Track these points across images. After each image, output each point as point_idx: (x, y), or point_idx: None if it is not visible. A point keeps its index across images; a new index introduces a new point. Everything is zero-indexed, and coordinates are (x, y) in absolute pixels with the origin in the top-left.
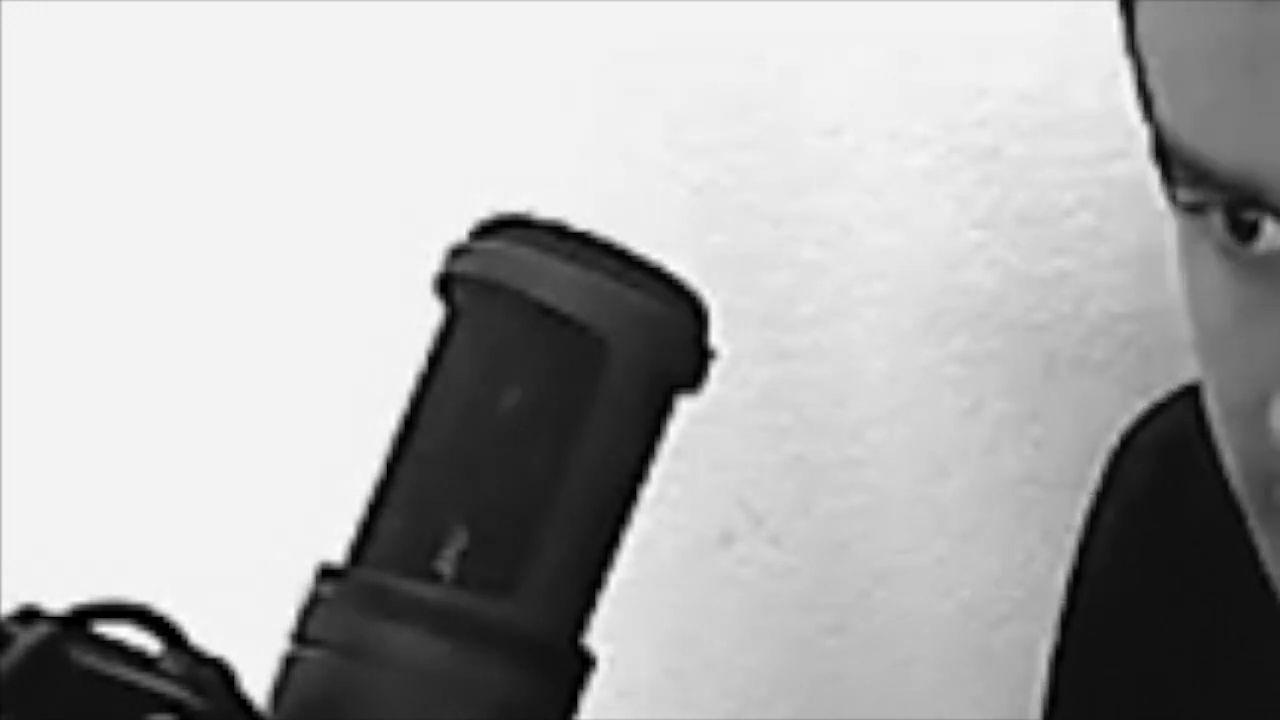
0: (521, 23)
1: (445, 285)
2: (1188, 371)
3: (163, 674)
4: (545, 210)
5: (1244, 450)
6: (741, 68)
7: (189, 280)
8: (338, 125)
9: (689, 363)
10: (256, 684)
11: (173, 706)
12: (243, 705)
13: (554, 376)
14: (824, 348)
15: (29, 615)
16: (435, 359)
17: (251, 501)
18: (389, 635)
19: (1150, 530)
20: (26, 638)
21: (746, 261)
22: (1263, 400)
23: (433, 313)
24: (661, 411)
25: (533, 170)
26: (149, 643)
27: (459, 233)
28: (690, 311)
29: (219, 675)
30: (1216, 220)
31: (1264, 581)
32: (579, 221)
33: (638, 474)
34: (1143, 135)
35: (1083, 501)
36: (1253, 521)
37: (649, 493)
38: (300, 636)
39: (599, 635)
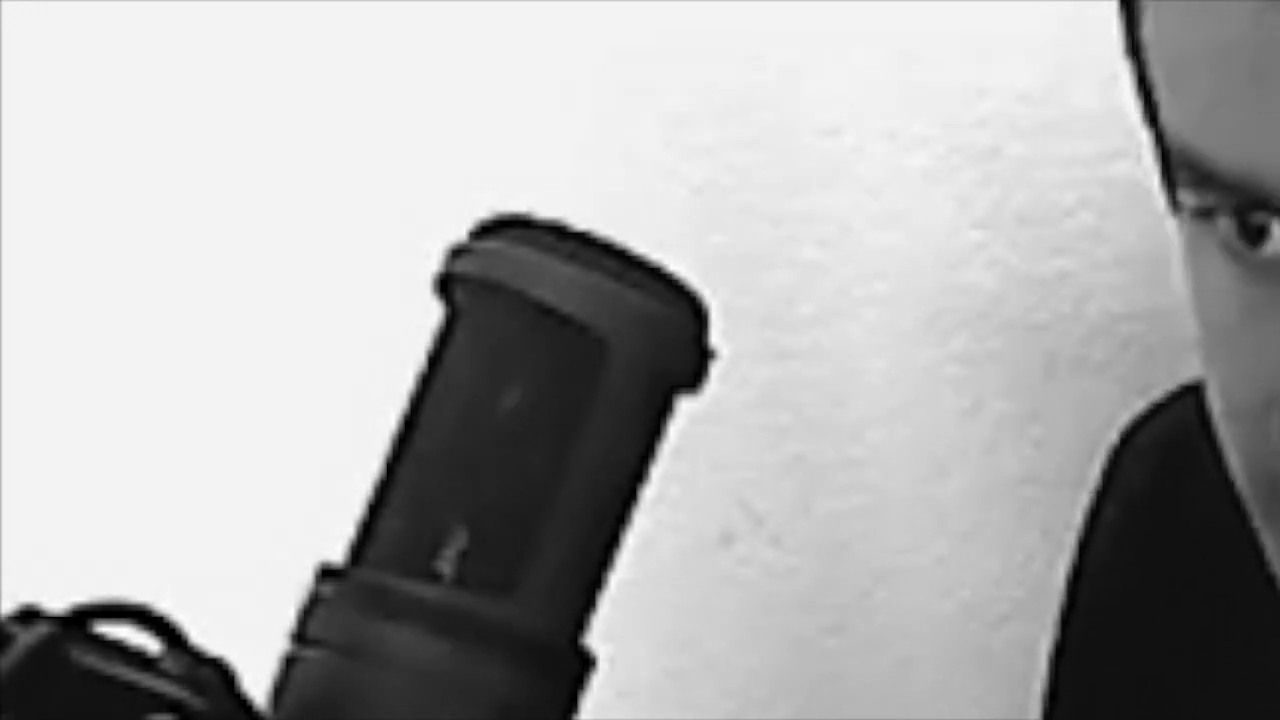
0: (521, 23)
1: (445, 285)
2: (1188, 371)
3: (163, 674)
4: (545, 210)
5: (1249, 450)
6: (741, 68)
7: (189, 280)
8: (338, 125)
9: (689, 363)
10: (256, 684)
11: (173, 706)
12: (243, 705)
13: (554, 376)
14: (824, 348)
15: (29, 615)
16: (435, 359)
17: (251, 501)
18: (389, 635)
19: (1150, 528)
20: (26, 638)
21: (746, 261)
22: (1268, 400)
23: (433, 313)
24: (661, 411)
25: (533, 170)
26: (149, 643)
27: (459, 233)
28: (690, 311)
29: (219, 675)
30: (1224, 223)
31: (1264, 580)
32: (579, 221)
33: (638, 474)
34: (1143, 135)
35: (1083, 501)
36: (1258, 521)
37: (649, 493)
38: (300, 636)
39: (599, 635)
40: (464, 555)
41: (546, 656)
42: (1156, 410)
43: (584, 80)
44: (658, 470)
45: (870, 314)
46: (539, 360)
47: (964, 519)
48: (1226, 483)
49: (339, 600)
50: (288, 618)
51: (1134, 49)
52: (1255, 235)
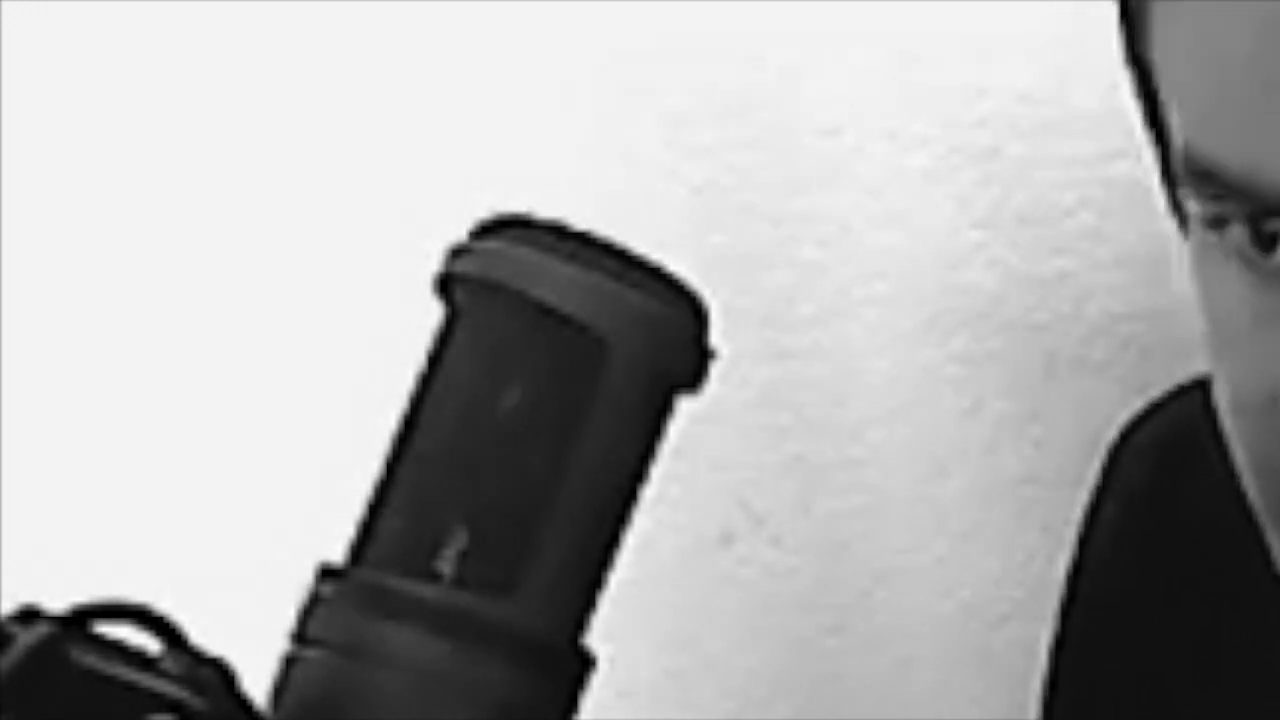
0: (521, 23)
1: (445, 285)
2: (1187, 371)
3: (163, 674)
4: (545, 210)
5: (1256, 447)
6: (741, 68)
7: (189, 280)
8: (338, 125)
9: (689, 363)
10: (256, 684)
11: (173, 706)
12: (243, 705)
13: (554, 376)
14: (824, 348)
15: (29, 615)
16: (435, 359)
17: (251, 501)
18: (389, 635)
19: (1149, 527)
20: (26, 638)
21: (746, 261)
22: (1275, 397)
23: (433, 313)
24: (661, 411)
25: (533, 170)
26: (149, 643)
27: (459, 233)
28: (690, 311)
29: (219, 675)
30: (1237, 231)
31: (1264, 578)
32: (579, 221)
33: (638, 474)
34: (1143, 135)
35: (1083, 500)
36: (1264, 518)
37: (649, 493)
38: (300, 636)
39: (599, 635)
40: (464, 555)
41: (546, 656)
42: (1156, 409)
43: (584, 80)
44: (658, 470)
45: (870, 314)
46: (539, 360)
47: (964, 519)
48: (1226, 481)
49: (339, 600)
50: (288, 618)
51: (1135, 59)
52: (1269, 242)
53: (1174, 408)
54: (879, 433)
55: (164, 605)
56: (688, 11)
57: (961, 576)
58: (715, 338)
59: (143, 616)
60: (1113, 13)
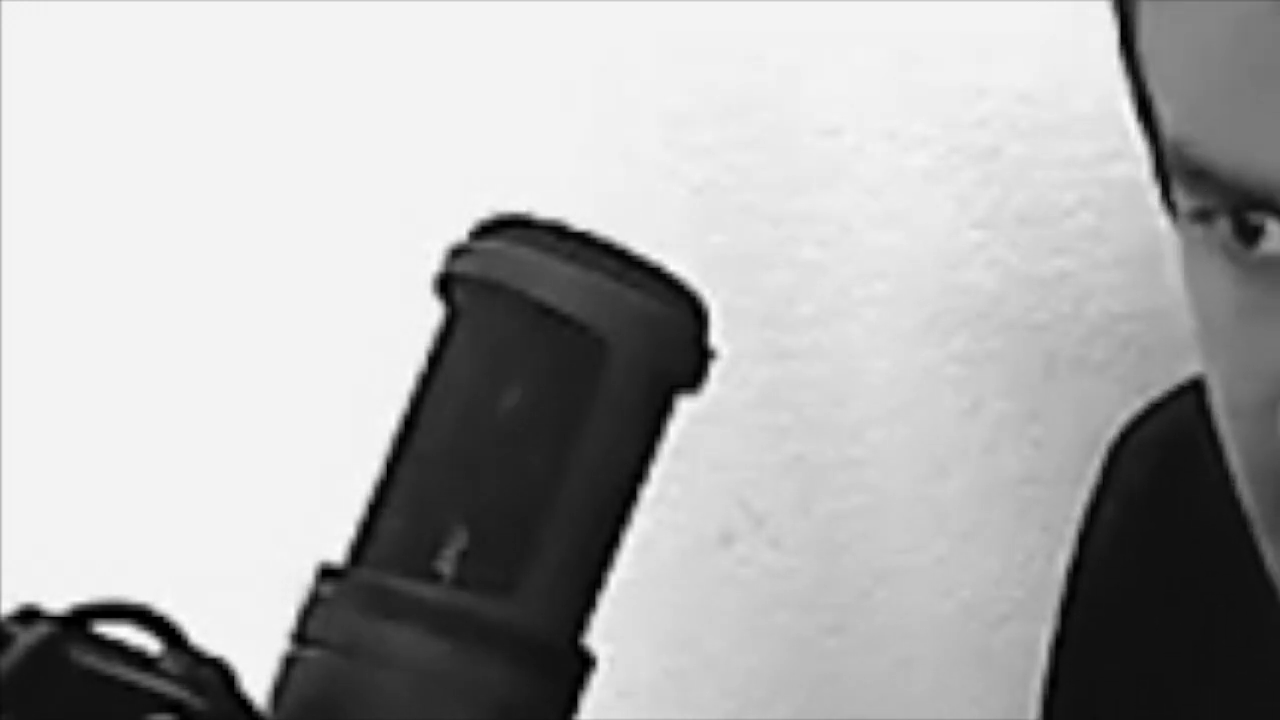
0: (521, 23)
1: (445, 285)
2: (1187, 370)
3: (163, 674)
4: (545, 210)
5: (1250, 450)
6: (741, 68)
7: (189, 280)
8: (338, 125)
9: (689, 363)
10: (256, 684)
11: (173, 706)
12: (243, 705)
13: (554, 376)
14: (824, 348)
15: (29, 615)
16: (435, 359)
17: (251, 501)
18: (389, 635)
19: (1149, 525)
20: (26, 638)
21: (746, 261)
22: (1269, 400)
23: (433, 313)
24: (661, 411)
25: (533, 170)
26: (149, 643)
27: (459, 233)
28: (690, 311)
29: (219, 675)
30: (1222, 224)
31: (1263, 578)
32: (579, 221)
33: (638, 474)
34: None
35: (1083, 500)
36: (1257, 520)
37: (649, 493)
38: (300, 636)
39: (599, 635)
40: (464, 555)
41: (546, 656)
42: (1155, 409)
43: (584, 80)
44: (658, 470)
45: (870, 314)
46: (539, 360)
47: (964, 519)
48: (1225, 481)
49: (339, 600)
50: (288, 618)
51: (1128, 52)
52: (1252, 235)
53: (1174, 408)
54: (879, 433)
55: (164, 605)
56: (688, 11)
57: (961, 576)
58: (715, 338)
59: (143, 616)
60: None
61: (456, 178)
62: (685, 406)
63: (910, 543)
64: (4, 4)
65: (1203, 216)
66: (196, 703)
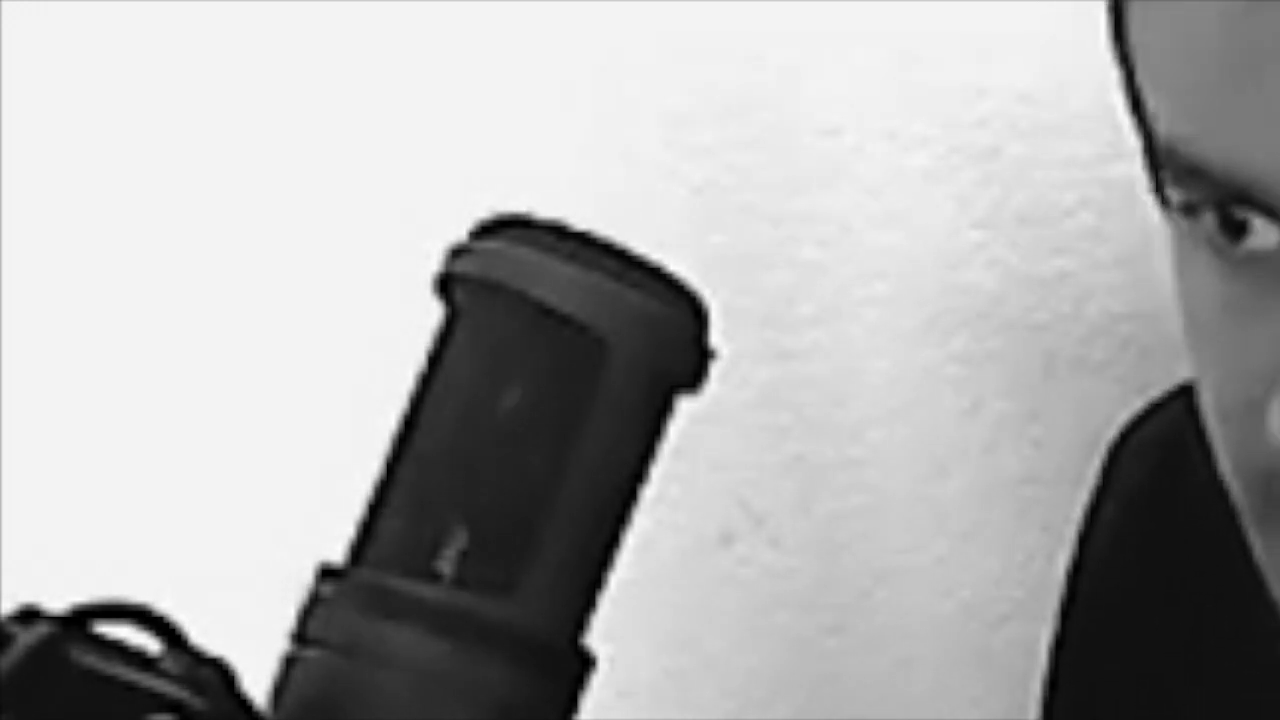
0: (521, 23)
1: (445, 285)
2: (1187, 371)
3: (163, 674)
4: (545, 210)
5: (1238, 450)
6: (741, 68)
7: (189, 280)
8: (338, 125)
9: (689, 363)
10: (256, 684)
11: (173, 706)
12: (243, 705)
13: (554, 376)
14: (824, 348)
15: (29, 615)
16: (435, 359)
17: (251, 501)
18: (389, 635)
19: (1149, 526)
20: (26, 638)
21: (746, 261)
22: (1255, 400)
23: (433, 313)
24: (661, 411)
25: (533, 170)
26: (149, 643)
27: (459, 233)
28: (690, 311)
29: (219, 675)
30: (1208, 219)
31: (1260, 577)
32: (579, 221)
33: (638, 474)
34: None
35: (1082, 500)
36: (1247, 519)
37: (649, 493)
38: (300, 636)
39: (599, 635)
40: (464, 555)
41: (546, 656)
42: (1155, 409)
43: (584, 80)
44: (658, 470)
45: (870, 314)
46: (539, 360)
47: (964, 519)
48: (1223, 481)
49: (339, 600)
50: (288, 618)
51: (1120, 46)
52: (1237, 230)
53: (1174, 407)
54: (879, 433)
55: (164, 605)
56: (688, 11)
57: (961, 576)
58: (715, 338)
59: (143, 616)
60: None
61: (456, 178)
62: (685, 406)
63: (910, 543)
64: (4, 4)
65: (1189, 210)
66: (196, 703)
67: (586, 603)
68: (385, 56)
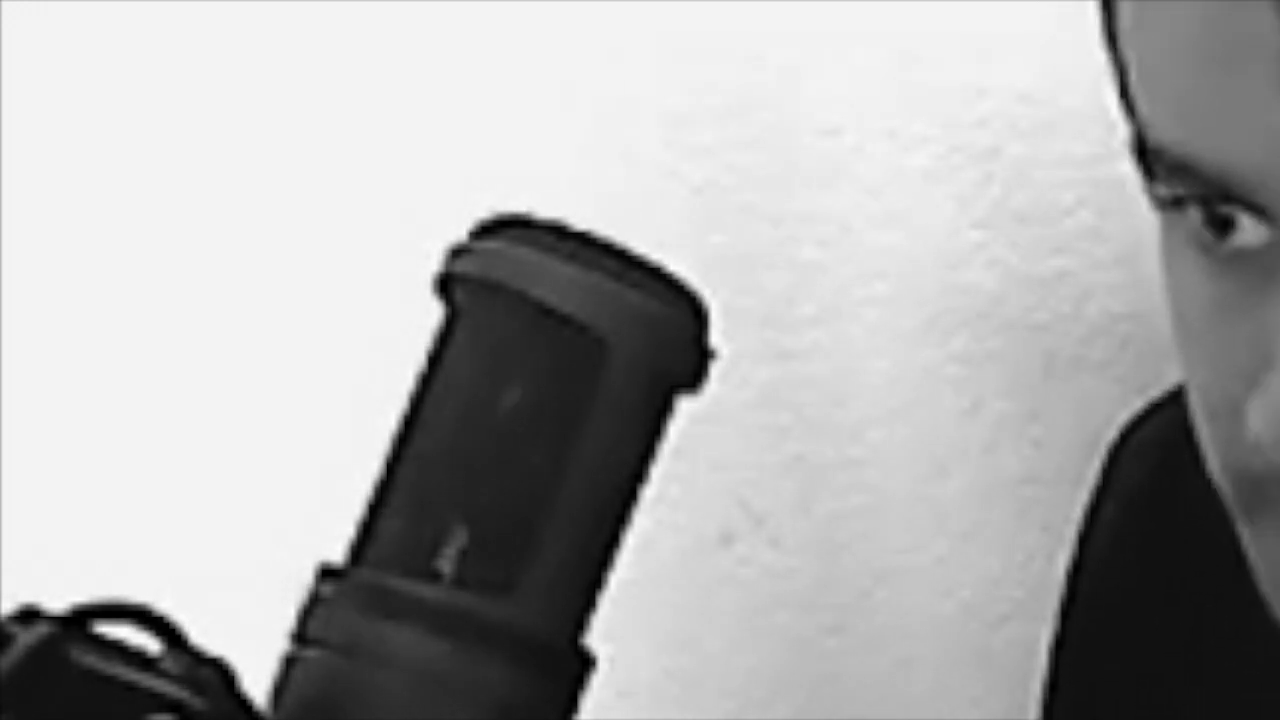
0: (521, 23)
1: (445, 285)
2: None
3: (163, 674)
4: (545, 210)
5: (1223, 448)
6: (741, 68)
7: (189, 280)
8: (338, 125)
9: (689, 363)
10: (256, 684)
11: (173, 706)
12: (243, 705)
13: (554, 376)
14: (824, 348)
15: (29, 615)
16: (435, 359)
17: (251, 501)
18: (389, 635)
19: (1149, 526)
20: (26, 638)
21: (746, 261)
22: (1238, 399)
23: (433, 313)
24: (661, 411)
25: (533, 170)
26: (149, 643)
27: (459, 233)
28: (690, 311)
29: (219, 675)
30: (1194, 215)
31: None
32: (579, 221)
33: (638, 474)
34: None
35: (1083, 500)
36: (1237, 516)
37: (649, 493)
38: (300, 636)
39: (599, 635)
40: (464, 555)
41: (546, 656)
42: (1155, 409)
43: (584, 80)
44: (658, 470)
45: (870, 314)
46: (539, 360)
47: (964, 519)
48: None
49: (339, 600)
50: (288, 618)
51: (1112, 45)
52: (1222, 226)
53: (1173, 407)
54: (879, 433)
55: (164, 605)
56: (688, 11)
57: (961, 576)
58: (715, 338)
59: (143, 616)
60: None
61: (456, 178)
62: (685, 406)
63: (910, 543)
64: (4, 4)
65: (1177, 206)
66: (196, 703)
67: (586, 603)
68: (385, 56)
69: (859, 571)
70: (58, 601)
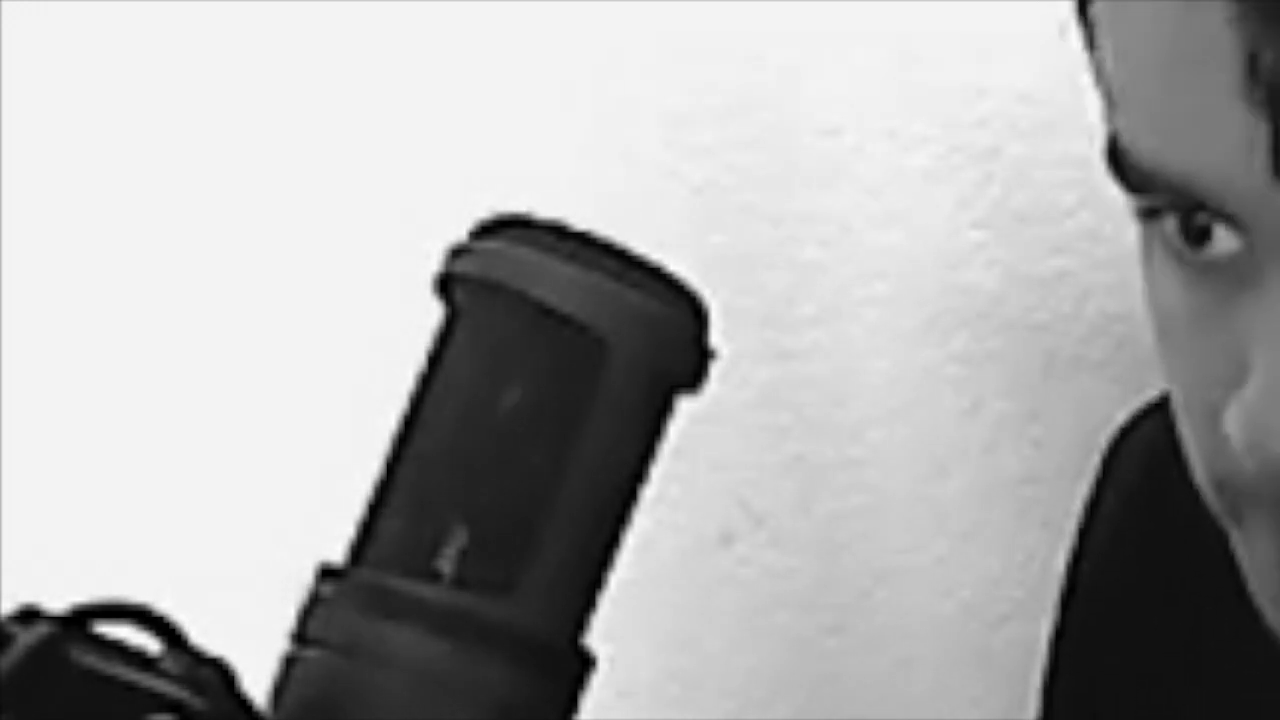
0: (521, 23)
1: (445, 285)
2: None
3: (163, 674)
4: (545, 210)
5: (1206, 454)
6: (741, 68)
7: (189, 280)
8: (338, 125)
9: (689, 363)
10: (256, 684)
11: (173, 706)
12: (243, 705)
13: (554, 376)
14: (824, 348)
15: (29, 615)
16: (435, 359)
17: (251, 501)
18: (389, 635)
19: (1150, 518)
20: (26, 638)
21: (746, 261)
22: (1217, 406)
23: (433, 313)
24: (661, 411)
25: (533, 170)
26: (149, 643)
27: (459, 233)
28: (690, 311)
29: (219, 675)
30: (1169, 224)
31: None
32: (579, 221)
33: (638, 474)
34: None
35: (1082, 500)
36: (1223, 521)
37: (649, 493)
38: (300, 636)
39: (599, 635)
40: (464, 555)
41: (546, 656)
42: (1154, 408)
43: (584, 80)
44: (658, 470)
45: (870, 314)
46: (539, 360)
47: (964, 519)
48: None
49: (339, 600)
50: (288, 618)
51: (1091, 54)
52: (1198, 236)
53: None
54: (879, 433)
55: (164, 605)
56: (688, 11)
57: (961, 576)
58: (715, 338)
59: (143, 616)
60: None
61: (456, 178)
62: (685, 406)
63: (910, 543)
64: (4, 4)
65: (1152, 214)
66: (196, 703)
67: (586, 603)
68: (385, 57)
69: (859, 571)
70: (58, 601)
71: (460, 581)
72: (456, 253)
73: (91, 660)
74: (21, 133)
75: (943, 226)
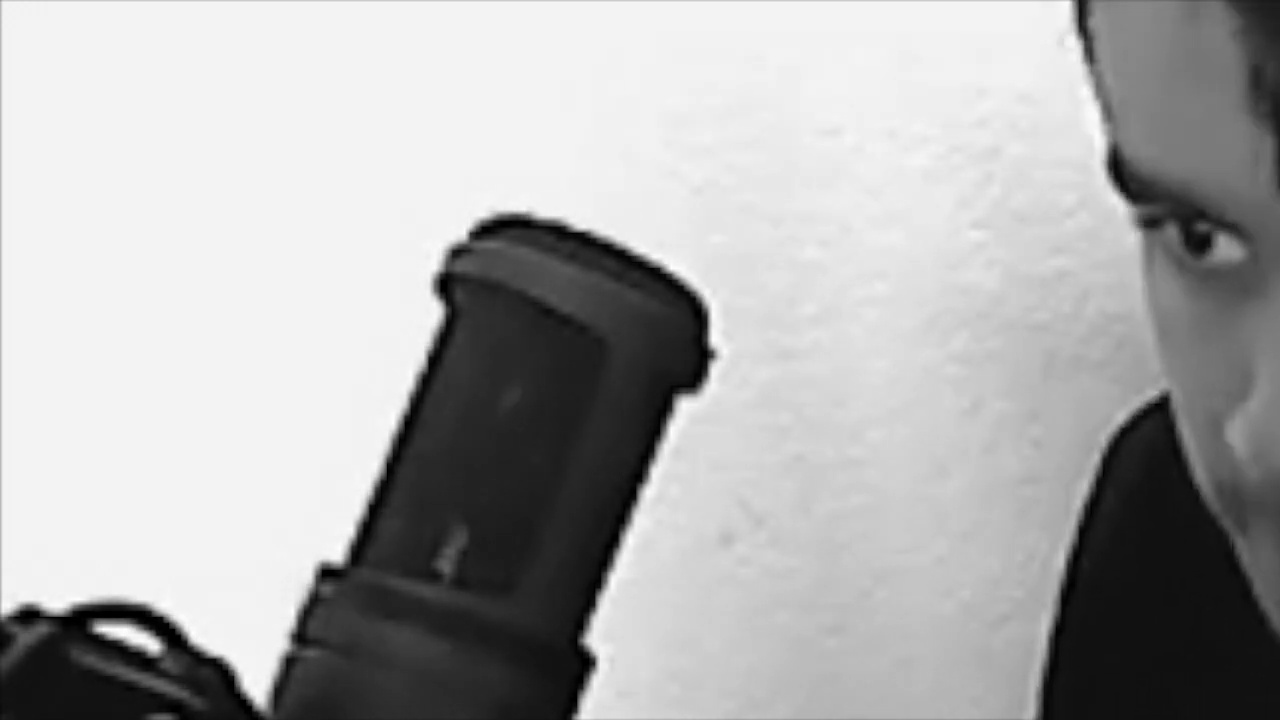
0: (521, 23)
1: (445, 285)
2: None
3: (163, 674)
4: (545, 210)
5: (1208, 461)
6: (741, 68)
7: (189, 280)
8: (338, 126)
9: (689, 363)
10: (256, 684)
11: (173, 706)
12: (243, 705)
13: (554, 376)
14: (824, 348)
15: (29, 615)
16: (435, 359)
17: (251, 501)
18: (389, 635)
19: (1149, 516)
20: (26, 638)
21: (746, 261)
22: (1220, 414)
23: (433, 313)
24: (661, 411)
25: (533, 170)
26: (149, 643)
27: (459, 233)
28: (690, 311)
29: (219, 675)
30: (1171, 232)
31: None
32: (579, 221)
33: (638, 474)
34: None
35: (1082, 499)
36: (1226, 527)
37: (649, 493)
38: (300, 636)
39: (599, 635)
40: (464, 555)
41: (546, 656)
42: (1154, 408)
43: (584, 80)
44: (658, 470)
45: (870, 314)
46: (539, 360)
47: (964, 519)
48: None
49: (339, 600)
50: (288, 618)
51: (1090, 61)
52: (1199, 245)
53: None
54: (879, 433)
55: (164, 605)
56: (688, 11)
57: (961, 576)
58: (715, 338)
59: (143, 616)
60: None
61: (456, 178)
62: (685, 406)
63: (910, 543)
64: (4, 4)
65: (1153, 223)
66: (196, 703)
67: (586, 603)
68: (385, 57)
69: (859, 571)
70: (58, 601)
71: (460, 581)
72: (456, 253)
73: (91, 660)
74: (21, 133)
75: (943, 226)
